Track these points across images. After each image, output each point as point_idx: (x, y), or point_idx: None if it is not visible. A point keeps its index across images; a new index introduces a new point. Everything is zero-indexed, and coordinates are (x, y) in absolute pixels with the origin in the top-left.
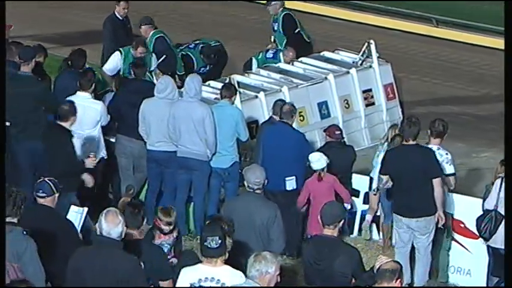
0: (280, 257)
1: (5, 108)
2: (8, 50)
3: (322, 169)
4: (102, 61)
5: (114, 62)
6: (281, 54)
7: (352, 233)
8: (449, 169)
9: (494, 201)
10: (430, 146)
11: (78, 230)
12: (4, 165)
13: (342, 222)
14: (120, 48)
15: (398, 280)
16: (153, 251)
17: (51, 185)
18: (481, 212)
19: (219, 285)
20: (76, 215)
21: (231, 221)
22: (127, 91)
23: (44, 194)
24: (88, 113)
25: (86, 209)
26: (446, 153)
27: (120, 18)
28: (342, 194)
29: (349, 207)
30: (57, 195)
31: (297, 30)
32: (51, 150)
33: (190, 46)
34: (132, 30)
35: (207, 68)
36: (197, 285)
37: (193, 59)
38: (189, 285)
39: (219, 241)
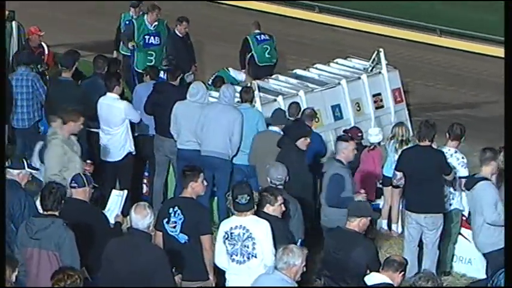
0: (306, 250)
1: (5, 109)
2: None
3: (378, 143)
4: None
5: None
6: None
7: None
8: (463, 172)
9: None
10: (447, 148)
11: (119, 211)
12: (4, 165)
13: (367, 219)
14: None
15: (402, 273)
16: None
17: (84, 178)
18: None
19: (244, 231)
20: (117, 198)
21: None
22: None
23: (75, 185)
24: (113, 112)
25: (125, 191)
26: (462, 157)
27: (181, 35)
28: (376, 168)
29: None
30: (88, 188)
31: None
32: None
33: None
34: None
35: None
36: (229, 232)
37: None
38: (223, 233)
39: (248, 197)
